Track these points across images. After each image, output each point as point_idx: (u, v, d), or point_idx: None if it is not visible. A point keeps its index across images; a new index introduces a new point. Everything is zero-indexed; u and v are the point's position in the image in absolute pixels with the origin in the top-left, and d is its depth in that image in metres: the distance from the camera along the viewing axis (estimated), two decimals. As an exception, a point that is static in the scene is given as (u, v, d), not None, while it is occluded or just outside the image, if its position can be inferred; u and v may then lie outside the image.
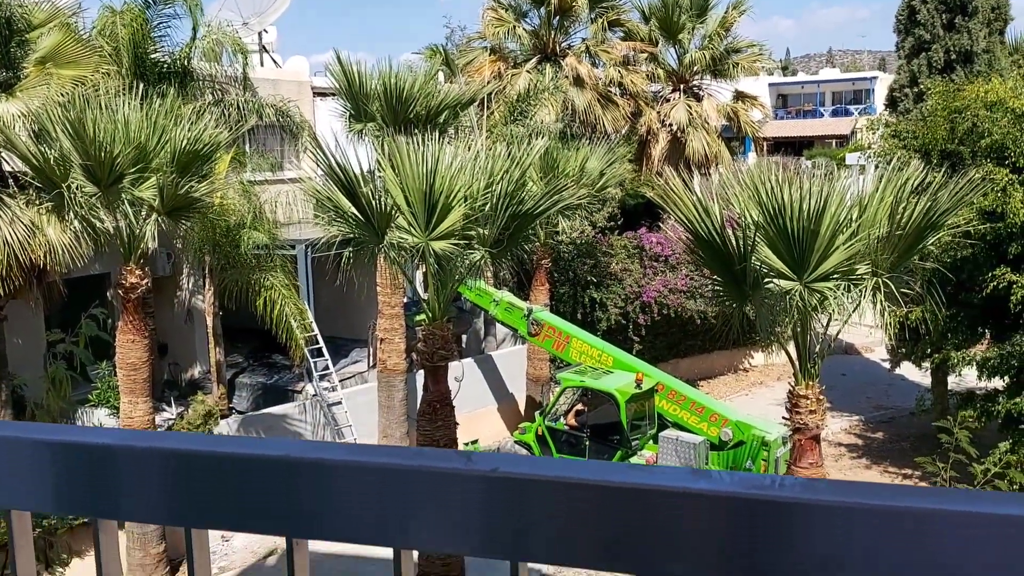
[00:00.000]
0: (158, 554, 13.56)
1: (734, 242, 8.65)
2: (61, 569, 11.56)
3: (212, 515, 1.04)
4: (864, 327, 24.58)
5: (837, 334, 9.56)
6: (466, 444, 16.65)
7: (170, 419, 15.52)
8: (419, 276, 17.79)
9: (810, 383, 9.35)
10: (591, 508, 0.89)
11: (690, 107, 27.11)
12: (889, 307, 8.84)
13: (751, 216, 8.81)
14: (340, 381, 18.01)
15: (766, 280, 8.91)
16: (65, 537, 11.25)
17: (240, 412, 17.69)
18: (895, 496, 0.81)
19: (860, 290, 8.81)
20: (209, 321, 17.62)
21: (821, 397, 9.46)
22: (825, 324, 9.61)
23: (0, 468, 1.09)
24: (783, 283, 8.80)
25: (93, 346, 11.98)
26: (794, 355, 9.50)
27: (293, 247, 17.82)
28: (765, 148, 37.63)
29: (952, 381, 18.44)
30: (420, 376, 17.30)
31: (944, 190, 8.59)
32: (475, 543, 0.96)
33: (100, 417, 15.07)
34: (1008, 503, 0.78)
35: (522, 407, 19.75)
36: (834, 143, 48.12)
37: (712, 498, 0.85)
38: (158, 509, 1.07)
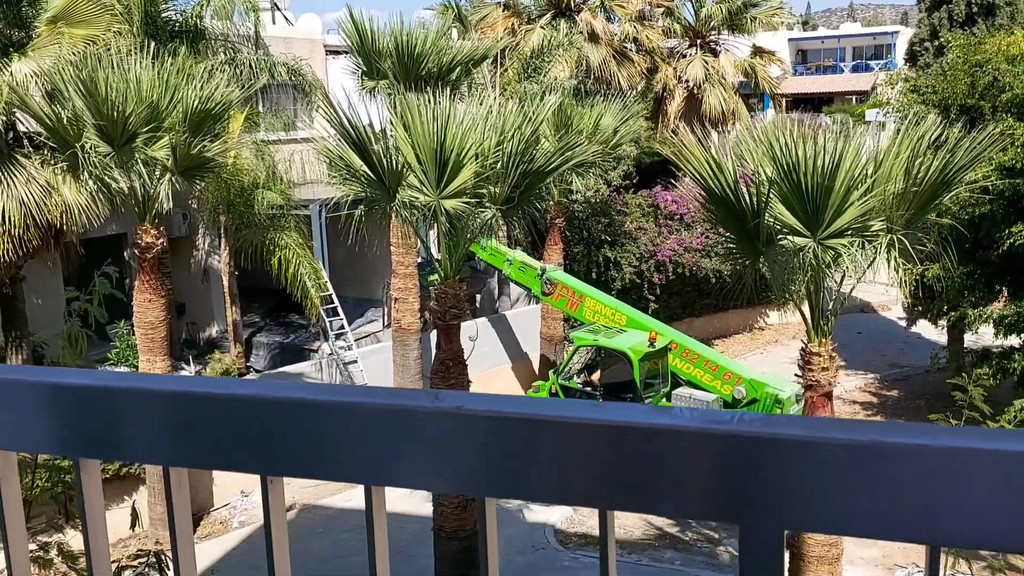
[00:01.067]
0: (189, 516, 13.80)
1: (747, 199, 8.59)
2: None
3: (189, 454, 1.06)
4: (879, 285, 24.46)
5: (851, 291, 9.52)
6: (481, 402, 16.76)
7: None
8: (432, 236, 17.79)
9: (822, 340, 9.33)
10: (555, 445, 0.90)
11: (707, 63, 26.75)
12: (904, 264, 8.77)
13: (765, 172, 8.73)
14: (355, 340, 18.14)
15: (779, 237, 8.84)
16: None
17: (257, 371, 17.89)
18: (856, 430, 0.81)
19: (874, 247, 8.74)
20: (225, 281, 17.75)
21: (834, 354, 9.44)
22: (839, 281, 9.56)
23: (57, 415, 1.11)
24: (797, 240, 8.74)
25: (109, 305, 12.09)
26: (807, 313, 9.46)
27: (307, 207, 17.85)
28: (784, 104, 37.13)
29: (968, 339, 18.33)
30: (434, 335, 17.41)
31: (962, 145, 8.46)
32: (446, 480, 0.97)
33: (119, 376, 15.26)
34: (966, 436, 0.78)
35: (536, 366, 19.84)
36: (854, 99, 47.42)
37: (675, 433, 0.85)
38: (138, 448, 1.09)
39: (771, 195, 8.57)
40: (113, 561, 10.19)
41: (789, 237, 8.79)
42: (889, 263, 8.90)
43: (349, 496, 15.64)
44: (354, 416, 0.99)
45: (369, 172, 9.95)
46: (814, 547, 9.45)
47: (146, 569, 8.61)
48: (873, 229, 8.78)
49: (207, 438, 1.04)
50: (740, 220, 8.75)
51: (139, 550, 9.27)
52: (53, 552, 7.87)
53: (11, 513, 1.15)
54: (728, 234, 9.22)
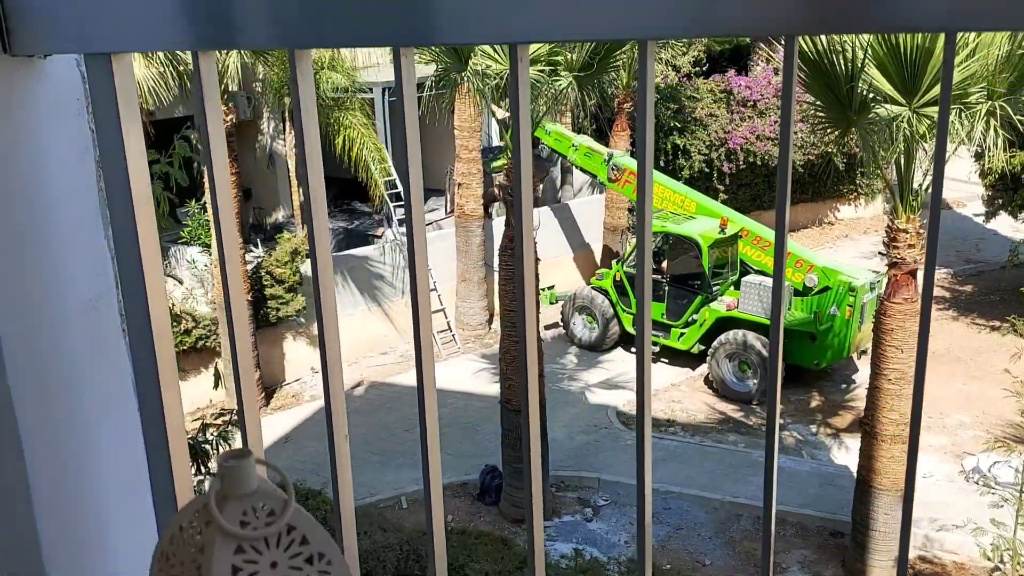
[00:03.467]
0: (256, 380, 14.25)
1: (842, 62, 8.16)
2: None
3: (319, 32, 0.96)
4: (957, 182, 23.52)
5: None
6: (543, 289, 16.78)
7: (258, 257, 15.95)
8: (495, 124, 17.50)
9: (911, 216, 9.00)
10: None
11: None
12: (1003, 134, 8.33)
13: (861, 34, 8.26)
14: (419, 226, 18.13)
15: (873, 105, 8.44)
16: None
17: (323, 254, 18.07)
18: None
19: (973, 115, 8.30)
20: (291, 164, 17.78)
21: (921, 231, 9.11)
22: (931, 154, 9.13)
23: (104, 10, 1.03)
24: (891, 108, 8.33)
25: (180, 190, 12.25)
26: (895, 187, 9.10)
27: (370, 90, 17.63)
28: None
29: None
30: (496, 224, 17.33)
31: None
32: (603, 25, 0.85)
33: (193, 254, 15.58)
34: None
35: (598, 257, 19.69)
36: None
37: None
38: (260, 32, 1.00)
39: (867, 58, 8.13)
40: (196, 419, 10.50)
41: (884, 105, 8.38)
42: (987, 135, 8.46)
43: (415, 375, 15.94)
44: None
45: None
46: (888, 426, 9.35)
47: (228, 427, 8.90)
48: (973, 97, 8.32)
49: (338, 13, 0.94)
50: (832, 85, 8.35)
51: (222, 410, 9.59)
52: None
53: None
54: (818, 102, 8.82)
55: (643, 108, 0.93)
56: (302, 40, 0.97)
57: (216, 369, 9.92)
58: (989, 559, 9.23)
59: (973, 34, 8.32)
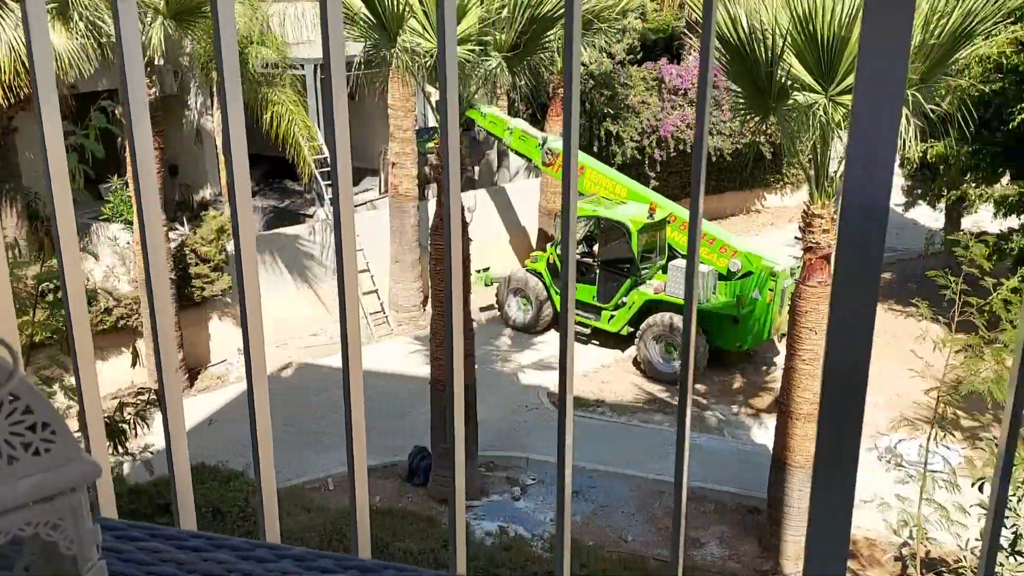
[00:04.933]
0: (176, 362, 13.99)
1: (761, 49, 8.35)
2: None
3: None
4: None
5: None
6: (477, 271, 16.83)
7: (183, 235, 15.63)
8: (432, 102, 17.41)
9: (825, 202, 9.26)
10: None
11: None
12: (916, 123, 8.62)
13: (780, 22, 8.46)
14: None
15: (791, 91, 8.65)
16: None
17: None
18: None
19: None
20: (218, 141, 17.42)
21: (835, 217, 9.38)
22: (846, 142, 9.39)
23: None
24: (808, 95, 8.55)
25: (99, 164, 11.94)
26: (812, 173, 9.36)
27: (302, 67, 17.37)
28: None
29: (965, 225, 18.32)
30: (430, 206, 17.28)
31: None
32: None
33: (115, 231, 15.19)
34: None
35: (534, 240, 19.80)
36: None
37: None
38: None
39: (785, 46, 8.33)
40: (114, 397, 10.24)
41: (802, 92, 8.60)
42: (899, 124, 8.73)
43: (345, 357, 15.85)
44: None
45: (369, 15, 9.61)
46: (803, 404, 9.65)
47: (146, 407, 8.74)
48: (886, 87, 8.58)
49: None
50: (752, 71, 8.53)
51: (140, 388, 9.41)
52: (56, 387, 7.96)
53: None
54: (739, 88, 9.00)
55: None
56: None
57: (134, 347, 9.73)
58: (896, 534, 9.62)
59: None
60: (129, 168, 12.12)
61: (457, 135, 0.99)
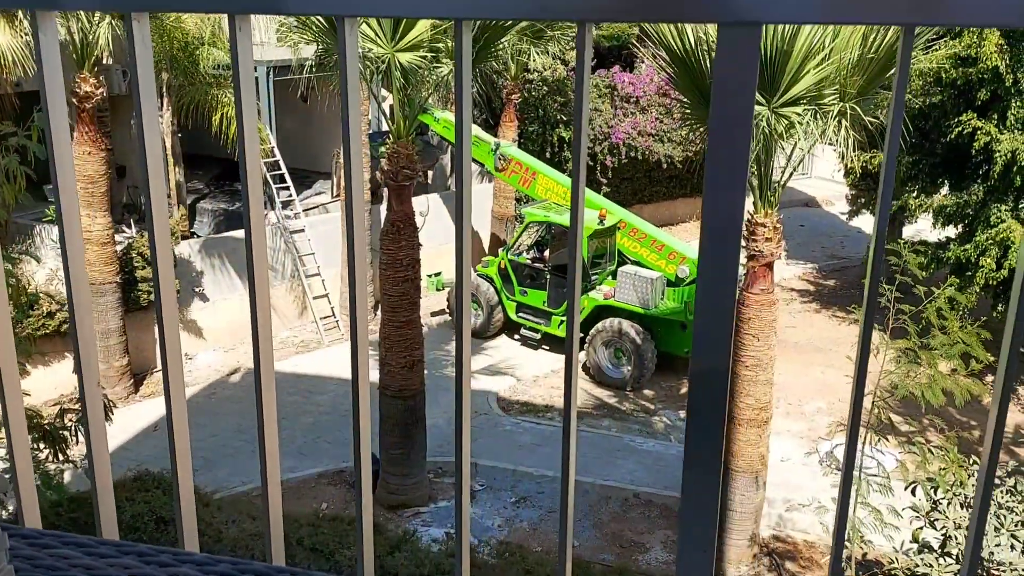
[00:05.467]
0: (121, 367, 13.76)
1: (705, 59, 8.52)
2: (21, 377, 11.69)
3: None
4: (823, 181, 24.76)
5: (800, 163, 9.62)
6: (429, 276, 16.83)
7: (130, 238, 15.39)
8: (385, 107, 17.40)
9: (768, 211, 9.47)
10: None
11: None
12: (854, 136, 8.87)
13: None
14: (303, 211, 17.90)
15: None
16: (24, 344, 11.30)
17: (200, 236, 17.59)
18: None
19: (826, 116, 8.81)
20: (168, 142, 17.19)
21: (778, 225, 9.61)
22: (789, 153, 9.64)
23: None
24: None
25: (46, 163, 11.73)
26: (755, 183, 9.56)
27: (255, 69, 17.22)
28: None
29: (907, 234, 18.84)
30: (383, 209, 17.24)
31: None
32: (425, 4, 0.94)
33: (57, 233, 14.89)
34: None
35: (486, 244, 19.88)
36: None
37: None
38: None
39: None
40: (56, 404, 10.08)
41: (744, 103, 8.79)
42: (839, 134, 8.99)
43: (296, 362, 15.75)
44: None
45: (322, 19, 9.60)
46: (745, 410, 9.84)
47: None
48: (827, 100, 8.83)
49: None
50: (697, 83, 8.71)
51: (82, 393, 9.24)
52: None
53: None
54: (685, 99, 9.18)
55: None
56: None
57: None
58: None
59: (828, 38, 8.84)
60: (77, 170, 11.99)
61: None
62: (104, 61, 15.58)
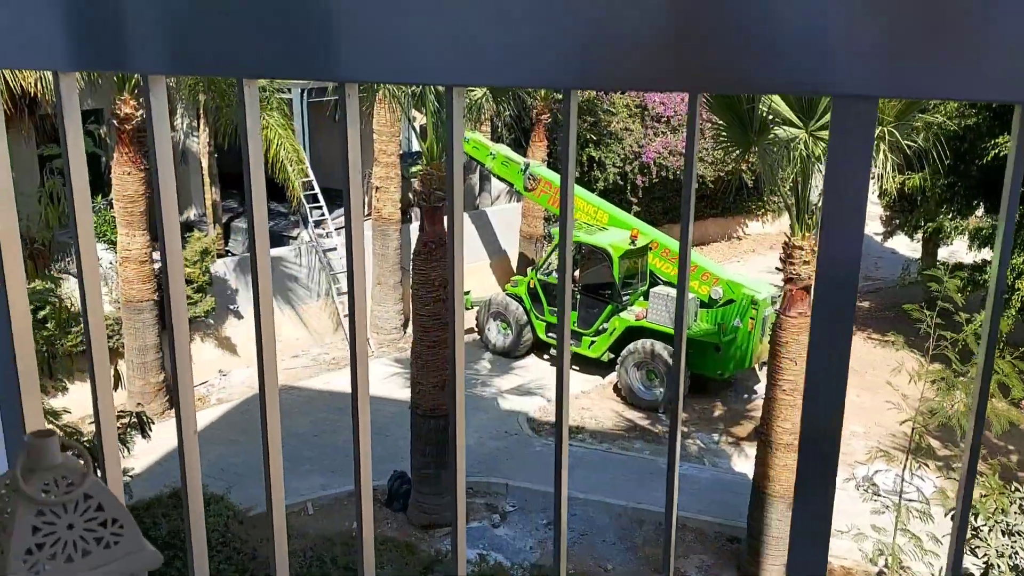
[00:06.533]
0: (158, 383, 13.90)
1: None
2: (60, 394, 11.86)
3: (266, 64, 1.04)
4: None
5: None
6: (459, 295, 16.84)
7: (166, 256, 15.59)
8: (416, 127, 17.55)
9: (806, 234, 9.42)
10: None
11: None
12: (892, 157, 8.81)
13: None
14: (335, 230, 18.06)
15: (772, 127, 8.82)
16: (64, 361, 11.47)
17: (235, 254, 17.79)
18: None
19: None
20: (204, 163, 17.45)
21: (815, 248, 9.52)
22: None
23: (41, 29, 1.09)
24: (789, 130, 8.72)
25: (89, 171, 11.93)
26: (792, 205, 9.52)
27: (289, 91, 17.47)
28: None
29: (942, 255, 18.62)
30: (414, 228, 17.36)
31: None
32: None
33: (97, 251, 15.14)
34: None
35: (514, 263, 19.91)
36: None
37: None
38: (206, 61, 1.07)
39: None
40: (91, 421, 10.30)
41: (782, 127, 8.77)
42: (876, 159, 8.93)
43: (327, 379, 15.83)
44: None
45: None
46: (782, 435, 9.75)
47: (127, 430, 8.68)
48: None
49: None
50: (733, 106, 8.70)
51: (120, 411, 9.35)
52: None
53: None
54: (721, 121, 9.17)
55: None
56: (250, 70, 1.04)
57: (115, 370, 9.67)
58: (873, 563, 9.71)
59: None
60: (117, 189, 12.05)
61: (461, 190, 1.06)
62: (142, 83, 15.86)
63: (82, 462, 0.58)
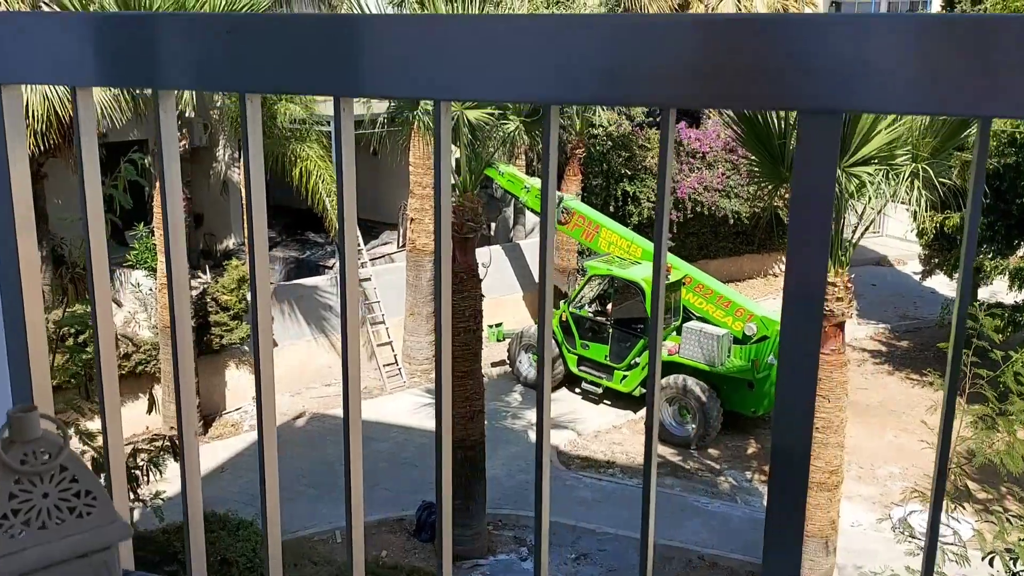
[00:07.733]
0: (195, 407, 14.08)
1: (775, 119, 8.52)
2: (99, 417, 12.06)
3: (265, 79, 1.10)
4: (896, 239, 24.25)
5: (871, 224, 9.49)
6: (490, 326, 16.92)
7: (205, 283, 15.87)
8: (451, 160, 17.75)
9: (839, 270, 9.34)
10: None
11: (739, 0, 26.23)
12: (927, 195, 8.73)
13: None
14: (370, 260, 18.26)
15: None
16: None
17: (271, 283, 18.04)
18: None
19: (898, 177, 8.70)
20: (244, 193, 17.78)
21: (849, 285, 9.46)
22: (860, 212, 9.52)
23: (61, 47, 1.16)
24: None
25: (127, 213, 12.23)
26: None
27: (328, 123, 17.79)
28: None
29: (982, 295, 18.28)
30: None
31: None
32: (516, 88, 1.01)
33: (138, 277, 15.45)
34: None
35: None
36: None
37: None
38: (213, 76, 1.14)
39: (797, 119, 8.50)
40: (128, 443, 10.39)
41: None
42: (912, 196, 8.86)
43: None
44: (422, 28, 1.03)
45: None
46: (815, 473, 9.59)
47: (160, 453, 8.81)
48: (899, 160, 8.72)
49: (284, 61, 1.08)
50: (764, 141, 8.70)
51: (155, 435, 9.49)
52: (71, 431, 8.07)
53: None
54: (753, 156, 9.17)
55: (546, 164, 1.08)
56: (253, 85, 1.11)
57: (151, 394, 9.84)
58: (908, 607, 9.46)
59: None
60: (157, 217, 12.34)
61: (448, 206, 1.11)
62: (187, 114, 16.27)
63: (58, 434, 0.62)
